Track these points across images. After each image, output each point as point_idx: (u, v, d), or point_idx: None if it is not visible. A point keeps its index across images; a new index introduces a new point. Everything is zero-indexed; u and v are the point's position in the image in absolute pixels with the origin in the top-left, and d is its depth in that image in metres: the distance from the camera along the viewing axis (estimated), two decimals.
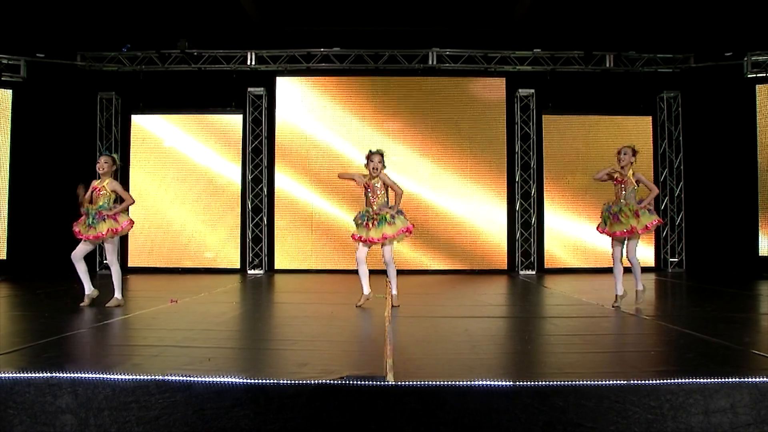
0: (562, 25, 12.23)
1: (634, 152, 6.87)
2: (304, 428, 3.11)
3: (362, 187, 6.98)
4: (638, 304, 6.86)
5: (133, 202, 7.15)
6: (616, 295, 6.84)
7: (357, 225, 6.95)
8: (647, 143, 12.63)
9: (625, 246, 6.93)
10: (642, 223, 6.69)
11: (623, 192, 6.82)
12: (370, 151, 6.99)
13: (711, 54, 12.18)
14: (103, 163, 6.95)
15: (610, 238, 6.97)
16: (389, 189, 6.97)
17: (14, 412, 3.17)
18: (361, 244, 6.89)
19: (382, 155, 6.97)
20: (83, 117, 12.40)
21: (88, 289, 6.91)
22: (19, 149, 11.77)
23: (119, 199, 6.98)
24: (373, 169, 6.90)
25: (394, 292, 6.89)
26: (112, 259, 6.96)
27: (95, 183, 6.99)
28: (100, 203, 6.87)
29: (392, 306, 6.64)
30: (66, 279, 9.67)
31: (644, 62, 12.55)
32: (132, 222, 7.05)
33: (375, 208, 6.86)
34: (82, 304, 6.76)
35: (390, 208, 6.85)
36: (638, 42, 12.32)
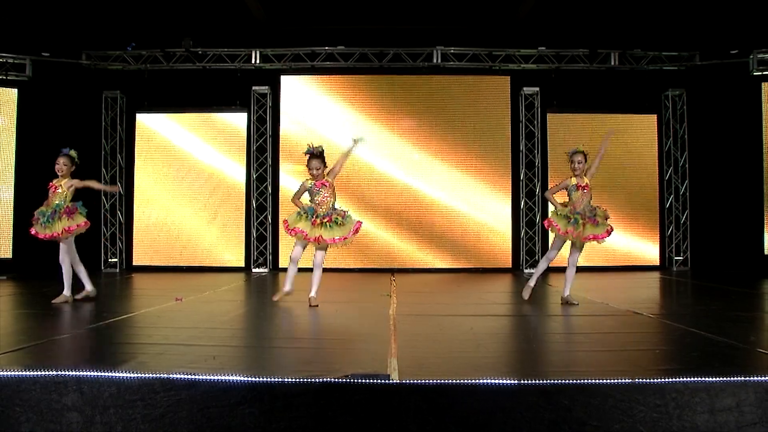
0: (566, 23, 12.20)
1: (585, 157, 6.78)
2: (309, 426, 3.11)
3: (317, 186, 6.71)
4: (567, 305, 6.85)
5: (97, 182, 7.18)
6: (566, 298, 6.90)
7: (299, 217, 6.67)
8: (652, 141, 12.63)
9: (576, 252, 6.92)
10: (606, 226, 6.75)
11: (584, 198, 6.74)
12: (310, 152, 6.66)
13: (716, 52, 12.14)
14: (62, 165, 6.94)
15: (562, 242, 6.89)
16: (335, 191, 6.78)
17: (21, 410, 3.18)
18: (298, 242, 6.71)
19: (320, 157, 6.65)
20: (88, 116, 12.42)
21: (88, 286, 6.99)
22: (25, 148, 11.80)
23: (75, 197, 6.99)
24: (313, 176, 6.68)
25: (313, 294, 6.80)
26: (63, 257, 6.89)
27: (53, 182, 6.99)
28: (56, 201, 6.86)
29: (310, 305, 6.63)
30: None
31: (649, 60, 12.52)
32: (87, 223, 6.93)
33: (322, 211, 6.64)
34: (77, 296, 6.86)
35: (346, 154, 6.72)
36: (643, 40, 12.28)
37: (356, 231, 6.69)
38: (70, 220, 6.77)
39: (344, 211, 6.73)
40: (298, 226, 6.65)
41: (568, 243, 6.91)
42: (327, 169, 6.73)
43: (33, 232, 6.88)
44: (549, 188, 6.90)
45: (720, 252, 11.99)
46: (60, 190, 6.89)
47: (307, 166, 6.68)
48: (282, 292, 6.89)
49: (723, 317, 5.99)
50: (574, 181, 6.78)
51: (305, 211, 6.66)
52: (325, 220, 6.57)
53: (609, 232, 6.73)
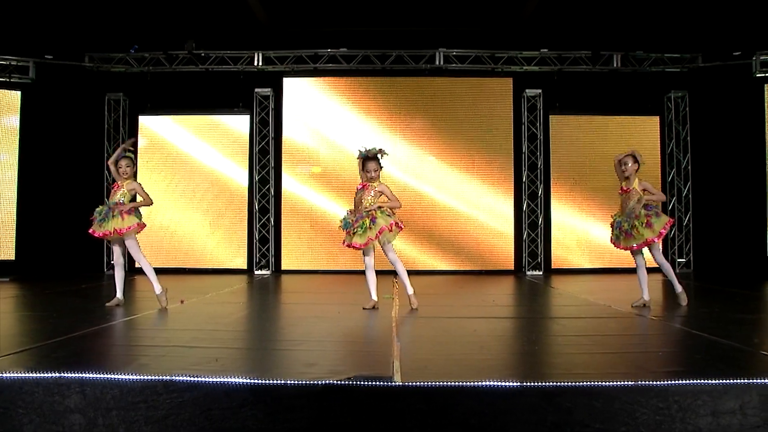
0: (569, 25, 12.20)
1: (635, 159, 6.66)
2: (312, 429, 3.11)
3: (360, 185, 6.72)
4: (682, 304, 6.76)
5: (151, 203, 6.95)
6: (643, 300, 6.78)
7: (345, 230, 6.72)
8: (655, 143, 12.61)
9: (647, 253, 6.82)
10: (656, 230, 6.59)
11: (629, 203, 6.68)
12: (365, 155, 6.64)
13: (719, 53, 12.13)
14: (125, 168, 6.82)
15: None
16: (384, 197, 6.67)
17: (23, 411, 3.18)
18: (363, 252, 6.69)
19: (377, 160, 6.63)
20: (91, 118, 12.46)
21: (120, 293, 6.87)
22: (28, 150, 11.82)
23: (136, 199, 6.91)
24: (369, 178, 6.65)
25: (410, 291, 6.76)
26: (137, 256, 6.86)
27: (117, 182, 6.92)
28: (114, 199, 6.80)
29: (411, 308, 6.60)
30: (73, 279, 9.72)
31: (652, 62, 12.51)
32: (140, 225, 6.84)
33: (363, 209, 6.59)
34: (107, 304, 6.76)
35: (368, 212, 6.55)
36: (646, 42, 12.28)
37: (389, 228, 6.59)
38: (120, 221, 6.65)
39: (374, 213, 6.57)
40: (346, 240, 6.71)
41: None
42: (381, 185, 6.67)
43: (90, 230, 6.76)
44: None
45: (723, 254, 11.97)
46: (122, 190, 6.79)
47: (363, 167, 6.65)
48: (371, 301, 6.75)
49: (726, 319, 5.98)
50: (622, 183, 6.77)
51: (344, 225, 6.71)
52: (355, 228, 6.56)
53: (647, 243, 6.62)
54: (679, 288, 6.87)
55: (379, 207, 6.62)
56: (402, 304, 7.10)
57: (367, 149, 6.67)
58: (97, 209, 6.82)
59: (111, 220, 6.67)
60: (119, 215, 6.65)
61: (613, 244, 6.92)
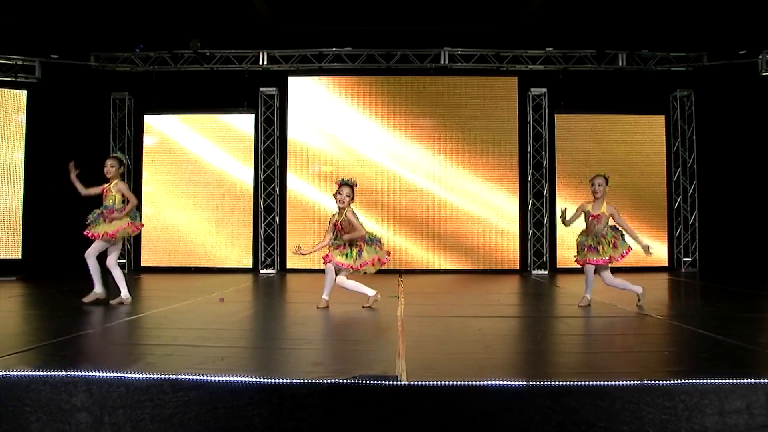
0: (574, 24, 12.18)
1: (607, 181, 6.76)
2: (317, 427, 3.11)
3: (336, 227, 6.80)
4: (642, 305, 6.78)
5: (135, 203, 7.08)
6: (587, 300, 6.85)
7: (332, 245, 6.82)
8: (660, 142, 12.60)
9: (600, 275, 6.81)
10: (619, 251, 6.66)
11: (596, 226, 6.71)
12: (341, 181, 6.83)
13: (725, 52, 12.10)
14: (109, 167, 7.02)
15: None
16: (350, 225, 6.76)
17: (30, 409, 3.19)
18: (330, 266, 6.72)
19: (352, 188, 6.79)
20: (97, 117, 12.49)
21: (98, 287, 6.94)
22: (34, 149, 11.86)
23: (126, 201, 7.00)
24: (340, 201, 6.76)
25: (325, 296, 6.74)
26: (111, 262, 6.97)
27: (105, 185, 7.04)
28: (106, 203, 6.93)
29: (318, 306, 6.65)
30: (80, 278, 9.75)
31: (657, 61, 12.48)
32: (134, 226, 6.99)
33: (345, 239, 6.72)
34: (84, 299, 6.83)
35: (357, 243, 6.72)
36: (651, 40, 12.25)
37: (364, 265, 6.70)
38: (110, 224, 6.81)
39: (362, 246, 6.70)
40: (331, 254, 6.77)
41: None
42: (348, 210, 6.75)
43: (85, 232, 6.91)
44: (567, 219, 6.86)
45: (729, 253, 11.95)
46: (110, 194, 6.96)
47: (337, 191, 6.79)
48: (371, 298, 6.79)
49: (732, 318, 5.96)
50: (588, 207, 6.78)
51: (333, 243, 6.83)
52: (342, 249, 6.70)
53: (607, 261, 6.66)
54: (640, 290, 6.86)
55: (368, 240, 6.75)
56: (407, 303, 7.11)
57: (347, 179, 6.86)
58: (91, 213, 6.96)
59: (102, 223, 6.84)
60: (109, 220, 6.82)
61: (576, 261, 6.91)
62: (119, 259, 11.94)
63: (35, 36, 11.83)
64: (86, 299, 6.84)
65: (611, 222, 6.78)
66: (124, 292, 6.93)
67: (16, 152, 11.80)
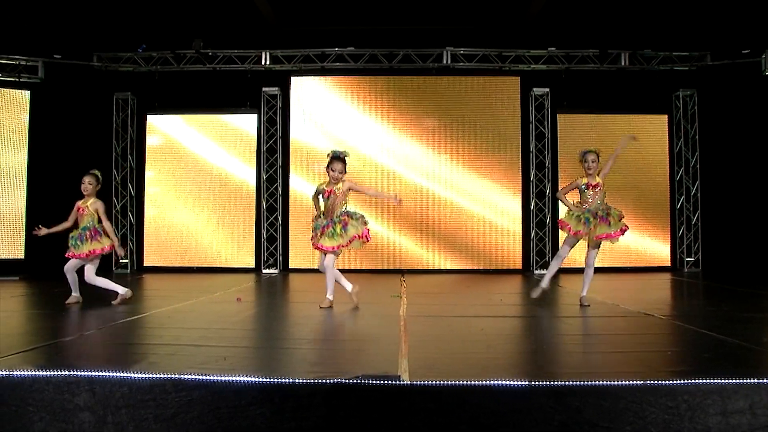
0: (576, 24, 12.17)
1: (598, 156, 6.77)
2: (320, 427, 3.12)
3: (326, 194, 6.76)
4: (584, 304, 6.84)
5: (112, 229, 7.11)
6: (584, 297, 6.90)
7: (314, 232, 6.79)
8: (663, 142, 12.59)
9: (591, 250, 6.86)
10: (621, 225, 6.68)
11: (596, 197, 6.72)
12: (334, 154, 6.72)
13: (728, 52, 12.07)
14: (87, 184, 7.05)
15: (574, 241, 6.89)
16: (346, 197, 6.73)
17: (33, 409, 3.20)
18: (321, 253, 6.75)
19: (344, 162, 6.70)
20: (99, 117, 12.51)
21: (75, 291, 7.07)
22: (37, 149, 11.88)
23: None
24: (334, 179, 6.71)
25: (329, 296, 6.73)
26: (91, 277, 6.98)
27: (79, 203, 7.08)
28: (84, 223, 6.97)
29: (320, 306, 6.63)
30: (81, 278, 9.78)
31: (660, 60, 12.47)
32: (112, 246, 7.04)
33: (335, 215, 6.67)
34: (66, 302, 6.90)
35: (340, 218, 6.64)
36: (654, 40, 12.23)
37: (360, 237, 6.66)
38: (95, 242, 6.91)
39: (347, 220, 6.64)
40: (315, 240, 6.74)
41: (583, 243, 6.88)
42: (345, 182, 6.73)
43: (68, 254, 6.99)
44: (560, 189, 6.86)
45: (731, 253, 11.92)
46: (87, 212, 7.00)
47: (330, 166, 6.69)
48: (353, 293, 6.82)
49: (735, 318, 5.96)
50: (584, 180, 6.77)
51: (316, 226, 6.75)
52: (327, 230, 6.61)
53: (623, 231, 6.66)
54: (584, 293, 6.93)
55: (352, 214, 6.70)
56: (410, 303, 7.11)
57: (339, 151, 6.77)
58: (72, 234, 7.02)
59: (86, 242, 6.91)
60: (93, 238, 6.91)
61: (575, 233, 6.79)
62: (122, 259, 12.06)
63: (38, 36, 11.85)
64: (68, 302, 6.94)
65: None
66: (121, 289, 6.97)
67: (19, 152, 11.81)
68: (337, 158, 6.69)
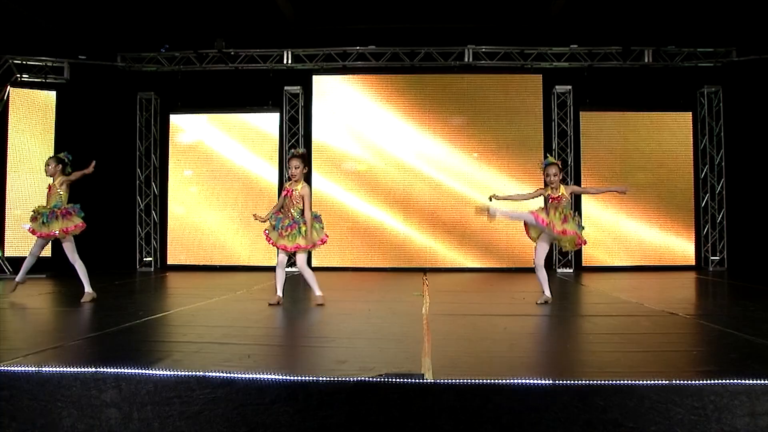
0: (599, 21, 12.07)
1: (560, 168, 6.91)
2: (343, 425, 3.13)
3: (285, 192, 6.87)
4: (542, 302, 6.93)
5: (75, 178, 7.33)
6: (545, 297, 6.98)
7: (272, 227, 6.89)
8: (687, 139, 12.44)
9: (543, 244, 6.96)
10: (579, 230, 6.83)
11: (556, 212, 6.77)
12: (291, 153, 6.89)
13: (754, 47, 11.87)
14: (47, 168, 7.31)
15: (541, 242, 6.96)
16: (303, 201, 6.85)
17: (62, 405, 3.25)
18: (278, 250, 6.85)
19: (302, 158, 6.80)
20: (123, 117, 12.66)
21: (20, 277, 7.36)
22: (63, 148, 11.89)
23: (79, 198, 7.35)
24: (291, 176, 6.81)
25: (317, 293, 6.89)
26: (73, 257, 7.13)
27: (49, 183, 7.29)
28: (53, 202, 7.14)
29: (316, 304, 6.75)
30: (106, 275, 9.89)
31: (684, 57, 12.31)
32: (83, 225, 7.20)
33: (291, 215, 6.79)
34: (82, 300, 6.98)
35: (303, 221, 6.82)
36: (678, 36, 12.09)
37: (321, 242, 6.95)
38: (66, 221, 7.06)
39: (301, 223, 6.79)
40: (269, 235, 6.91)
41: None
42: (301, 183, 6.82)
43: (29, 228, 7.16)
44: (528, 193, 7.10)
45: (757, 252, 11.75)
46: (54, 191, 7.19)
47: (288, 163, 6.86)
48: (276, 297, 6.91)
49: (761, 318, 5.88)
50: (548, 191, 6.93)
51: (276, 221, 6.89)
52: (287, 232, 6.74)
53: (579, 244, 6.96)
54: (548, 294, 7.02)
55: (318, 217, 6.98)
56: (432, 302, 7.11)
57: (297, 150, 7.00)
58: (38, 210, 7.20)
59: (56, 221, 7.05)
60: (64, 216, 7.08)
61: (542, 222, 6.81)
62: (146, 257, 12.17)
63: (64, 37, 12.01)
64: (83, 300, 7.01)
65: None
66: (87, 287, 7.09)
67: (46, 152, 11.96)
68: (293, 156, 6.81)
